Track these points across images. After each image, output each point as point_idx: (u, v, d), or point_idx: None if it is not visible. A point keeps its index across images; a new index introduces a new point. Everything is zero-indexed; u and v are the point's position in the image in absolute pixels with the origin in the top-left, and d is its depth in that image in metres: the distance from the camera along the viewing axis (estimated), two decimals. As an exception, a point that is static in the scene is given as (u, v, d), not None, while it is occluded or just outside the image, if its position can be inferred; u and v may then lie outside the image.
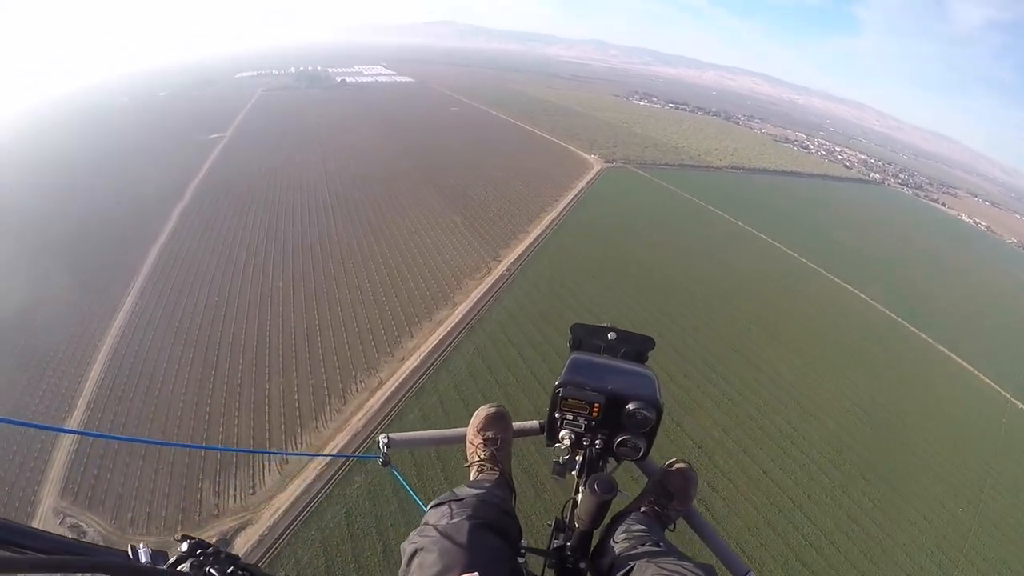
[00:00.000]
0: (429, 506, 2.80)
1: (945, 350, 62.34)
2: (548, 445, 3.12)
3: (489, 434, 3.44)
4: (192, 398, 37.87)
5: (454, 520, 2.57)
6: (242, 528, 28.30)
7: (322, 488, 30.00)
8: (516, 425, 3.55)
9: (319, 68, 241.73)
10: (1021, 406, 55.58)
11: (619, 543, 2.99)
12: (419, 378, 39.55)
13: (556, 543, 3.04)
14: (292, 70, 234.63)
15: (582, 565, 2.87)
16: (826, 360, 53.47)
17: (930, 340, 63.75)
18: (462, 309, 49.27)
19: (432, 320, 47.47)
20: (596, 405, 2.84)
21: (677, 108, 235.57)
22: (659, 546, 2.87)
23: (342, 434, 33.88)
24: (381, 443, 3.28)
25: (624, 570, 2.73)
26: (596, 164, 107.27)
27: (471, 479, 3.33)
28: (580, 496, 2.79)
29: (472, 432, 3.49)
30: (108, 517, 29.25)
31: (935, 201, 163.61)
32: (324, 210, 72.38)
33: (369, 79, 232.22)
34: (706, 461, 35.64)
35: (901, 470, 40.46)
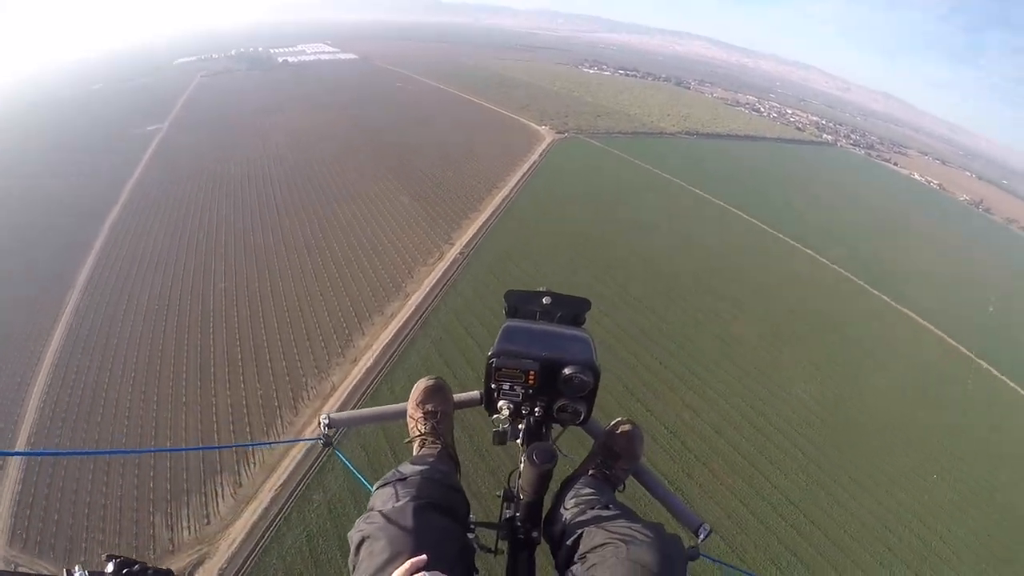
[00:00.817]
0: (375, 487, 2.74)
1: (909, 312, 62.67)
2: (490, 416, 3.07)
3: (429, 407, 3.38)
4: (136, 421, 35.29)
5: (399, 503, 2.50)
6: (200, 563, 26.24)
7: (279, 511, 28.08)
8: (456, 397, 3.47)
9: (260, 49, 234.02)
10: (985, 365, 56.13)
11: (568, 509, 2.93)
12: (373, 379, 37.63)
13: (507, 514, 2.93)
14: (232, 52, 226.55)
15: (535, 534, 2.82)
16: (792, 329, 53.42)
17: (893, 303, 64.04)
18: (415, 300, 47.12)
19: (384, 314, 45.25)
20: (531, 373, 2.79)
21: (627, 75, 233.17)
22: (608, 508, 2.82)
23: (295, 450, 31.76)
24: (322, 423, 3.25)
25: (574, 536, 2.69)
26: (548, 135, 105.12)
27: (414, 454, 3.26)
28: (522, 466, 2.73)
29: (412, 406, 3.42)
30: (60, 563, 26.69)
31: (887, 160, 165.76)
32: (267, 200, 68.78)
33: (311, 58, 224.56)
34: (679, 446, 34.61)
35: (872, 439, 40.23)
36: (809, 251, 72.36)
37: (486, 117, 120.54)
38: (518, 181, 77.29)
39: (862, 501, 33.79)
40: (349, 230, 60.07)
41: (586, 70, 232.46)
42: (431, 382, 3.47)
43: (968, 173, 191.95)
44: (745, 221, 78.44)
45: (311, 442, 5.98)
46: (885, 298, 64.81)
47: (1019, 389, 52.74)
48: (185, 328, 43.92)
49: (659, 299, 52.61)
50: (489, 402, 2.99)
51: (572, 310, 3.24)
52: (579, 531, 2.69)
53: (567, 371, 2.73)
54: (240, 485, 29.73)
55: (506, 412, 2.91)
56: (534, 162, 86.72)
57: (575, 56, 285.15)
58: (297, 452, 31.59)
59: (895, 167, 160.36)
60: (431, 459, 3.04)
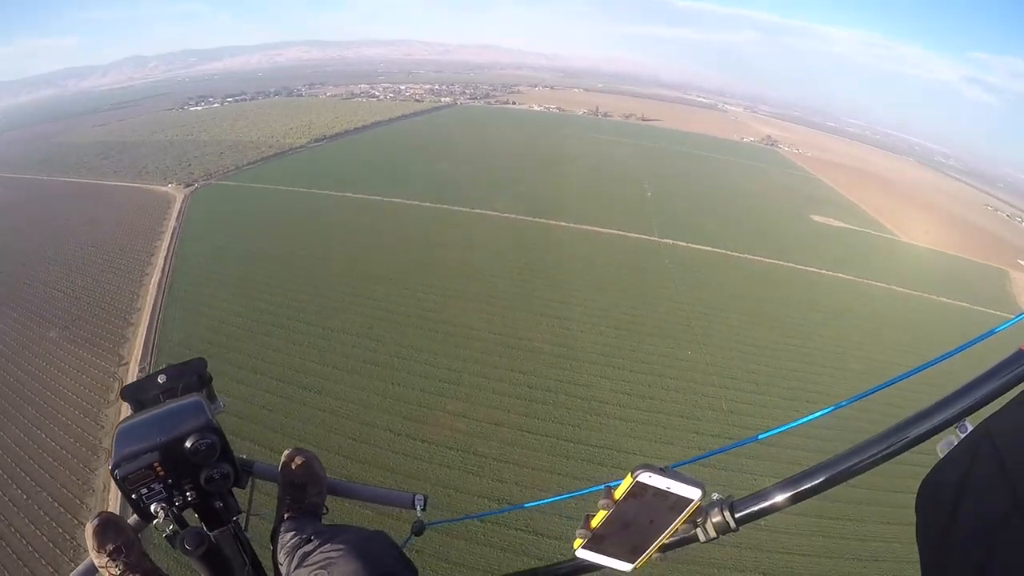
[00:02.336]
0: None
1: (592, 228, 71.91)
2: (151, 524, 2.85)
3: (110, 547, 2.90)
4: None
5: None
6: None
7: None
8: (130, 520, 3.04)
9: None
10: (673, 242, 67.82)
11: (282, 562, 2.96)
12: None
13: None
14: None
15: None
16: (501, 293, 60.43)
17: (572, 225, 73.08)
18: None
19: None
20: (156, 464, 2.59)
21: (237, 100, 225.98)
22: (311, 540, 2.84)
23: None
24: None
25: None
26: (177, 193, 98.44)
27: None
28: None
29: (95, 555, 2.94)
30: None
31: (506, 103, 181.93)
32: None
33: None
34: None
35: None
36: (477, 209, 78.95)
37: (103, 196, 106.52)
38: (165, 261, 71.54)
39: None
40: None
41: (193, 108, 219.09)
42: (96, 521, 3.02)
43: (576, 89, 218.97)
44: (408, 206, 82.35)
45: None
46: (565, 223, 74.03)
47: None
48: None
49: (358, 324, 55.81)
50: (142, 513, 2.78)
51: (191, 376, 3.06)
52: None
53: (189, 443, 2.62)
54: None
55: (162, 514, 2.71)
56: (174, 229, 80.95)
57: (177, 98, 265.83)
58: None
59: (514, 106, 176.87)
60: None
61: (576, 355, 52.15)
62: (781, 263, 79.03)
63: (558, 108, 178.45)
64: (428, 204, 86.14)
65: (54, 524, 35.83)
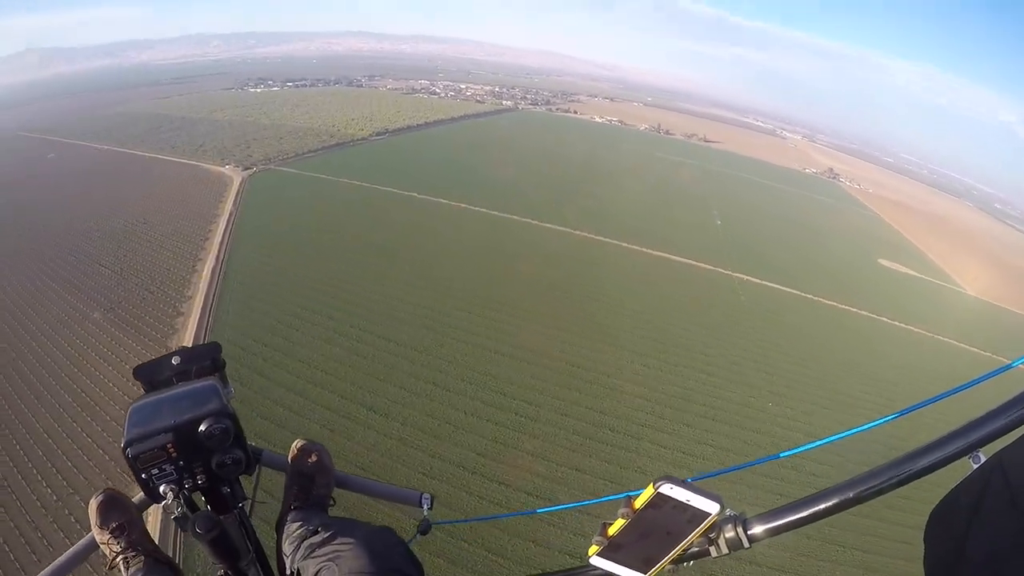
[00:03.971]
0: None
1: (665, 254, 67.05)
2: (159, 505, 2.73)
3: (113, 524, 2.97)
4: None
5: None
6: None
7: None
8: (135, 499, 3.10)
9: None
10: (746, 277, 62.48)
11: (288, 552, 2.92)
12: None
13: None
14: None
15: None
16: (551, 308, 54.66)
17: (644, 249, 68.13)
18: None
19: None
20: (169, 445, 2.52)
21: (297, 86, 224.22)
22: (319, 532, 2.81)
23: None
24: None
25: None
26: (235, 175, 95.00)
27: None
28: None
29: (96, 531, 3.00)
30: None
31: (567, 112, 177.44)
32: None
33: None
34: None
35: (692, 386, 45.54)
36: (536, 221, 74.55)
37: (160, 171, 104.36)
38: (220, 244, 67.71)
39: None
40: (29, 390, 45.71)
41: (253, 89, 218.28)
42: (101, 497, 3.01)
43: (635, 103, 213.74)
44: (473, 212, 78.21)
45: None
46: (637, 248, 69.12)
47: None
48: None
49: (409, 334, 51.43)
50: (151, 493, 2.61)
51: (205, 360, 2.92)
52: (297, 569, 2.69)
53: (203, 427, 2.50)
54: None
55: (171, 495, 2.54)
56: (230, 213, 77.10)
57: (238, 77, 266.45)
58: None
59: (576, 115, 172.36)
60: (140, 575, 2.85)
61: (656, 396, 47.68)
62: (853, 309, 74.13)
63: (619, 121, 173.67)
64: (495, 212, 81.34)
65: (84, 531, 31.23)
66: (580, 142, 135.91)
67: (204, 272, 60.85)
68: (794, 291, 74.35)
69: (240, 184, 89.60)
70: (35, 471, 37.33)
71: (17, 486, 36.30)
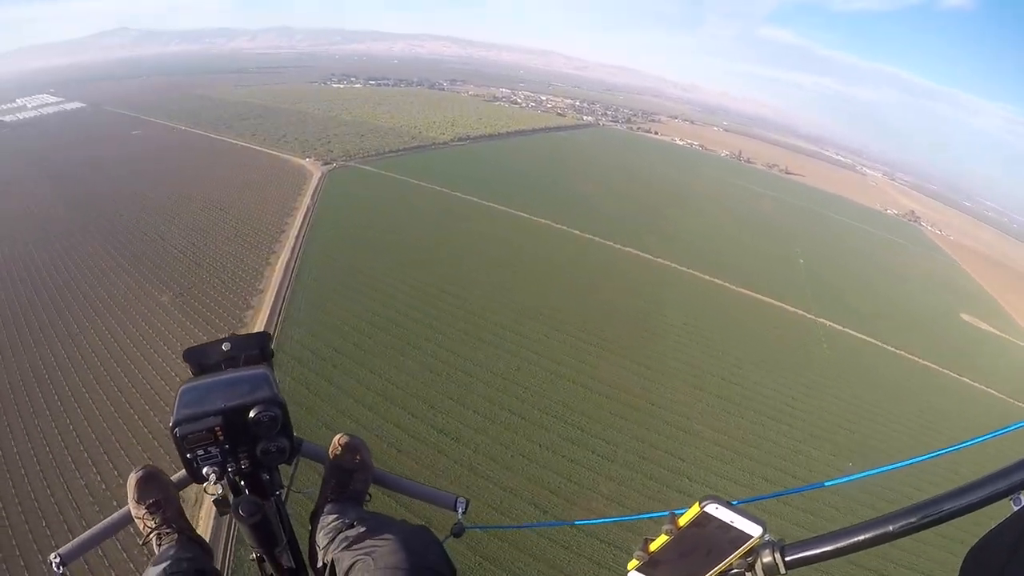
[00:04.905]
0: None
1: (747, 291, 62.61)
2: (201, 486, 2.73)
3: (150, 500, 3.03)
4: None
5: None
6: None
7: None
8: (174, 478, 3.15)
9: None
10: (829, 323, 57.49)
11: (321, 542, 2.92)
12: None
13: (271, 572, 2.96)
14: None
15: None
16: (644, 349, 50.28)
17: (728, 284, 63.76)
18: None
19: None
20: (217, 428, 2.52)
21: (379, 84, 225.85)
22: (354, 526, 2.83)
23: None
24: (54, 564, 2.84)
25: (329, 567, 2.75)
26: (314, 169, 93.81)
27: (155, 554, 2.97)
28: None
29: (133, 506, 3.05)
30: None
31: (647, 131, 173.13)
32: None
33: (34, 113, 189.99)
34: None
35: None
36: (614, 243, 70.92)
37: (240, 158, 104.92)
38: (297, 238, 65.76)
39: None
40: (93, 374, 43.73)
41: (336, 85, 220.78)
42: (141, 472, 3.06)
43: (716, 128, 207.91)
44: (553, 230, 74.78)
45: None
46: (719, 281, 65.00)
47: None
48: None
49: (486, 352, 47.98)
50: (193, 473, 2.61)
51: (255, 347, 2.92)
52: (331, 560, 2.71)
53: (252, 413, 2.50)
54: None
55: (212, 477, 2.54)
56: (308, 207, 75.33)
57: (321, 72, 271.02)
58: None
59: (656, 136, 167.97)
60: (172, 552, 2.83)
61: (735, 446, 43.77)
62: (935, 366, 67.75)
63: (700, 145, 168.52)
64: (575, 231, 77.53)
65: (131, 532, 28.78)
66: (661, 164, 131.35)
67: (277, 266, 58.91)
68: (876, 341, 68.71)
69: (319, 178, 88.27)
70: (87, 458, 35.59)
71: (65, 466, 34.91)
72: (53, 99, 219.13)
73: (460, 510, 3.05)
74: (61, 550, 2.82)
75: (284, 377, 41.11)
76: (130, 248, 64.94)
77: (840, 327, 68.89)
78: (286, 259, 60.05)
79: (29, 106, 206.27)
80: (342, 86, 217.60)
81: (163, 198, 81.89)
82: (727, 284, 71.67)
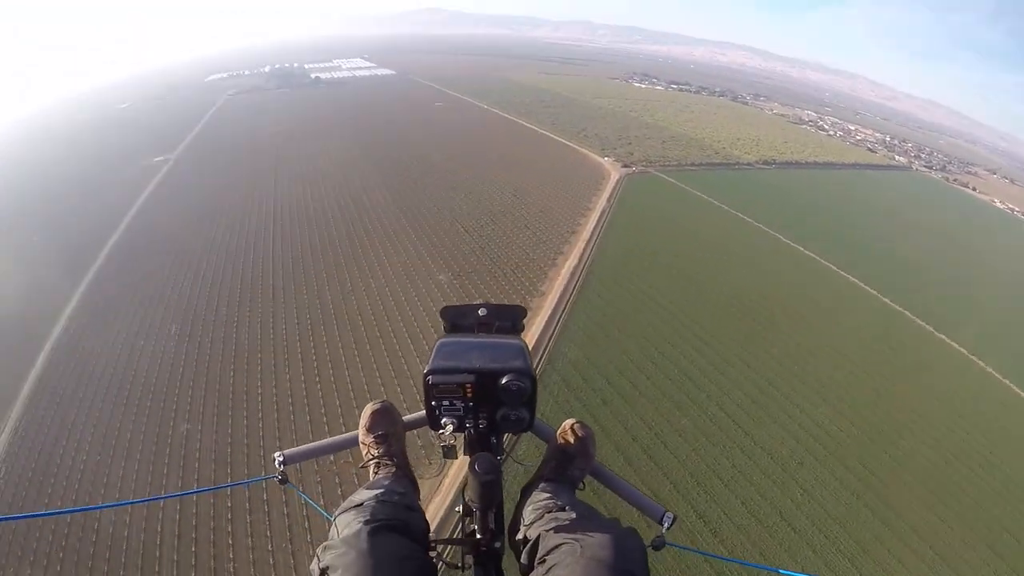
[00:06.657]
0: (333, 516, 2.80)
1: None
2: (435, 432, 2.95)
3: (379, 431, 3.30)
4: None
5: (355, 528, 2.53)
6: None
7: None
8: (406, 418, 3.41)
9: (294, 65, 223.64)
10: None
11: (527, 516, 2.96)
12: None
13: (472, 528, 2.92)
14: (266, 69, 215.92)
15: (497, 545, 2.84)
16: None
17: None
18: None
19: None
20: (468, 386, 2.72)
21: (680, 89, 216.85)
22: (565, 510, 2.84)
23: None
24: (277, 461, 3.13)
25: (533, 542, 2.74)
26: (613, 171, 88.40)
27: (370, 479, 3.21)
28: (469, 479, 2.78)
29: (363, 432, 3.34)
30: None
31: (965, 185, 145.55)
32: (261, 289, 51.57)
33: (347, 74, 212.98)
34: None
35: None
36: (973, 356, 55.20)
37: (538, 146, 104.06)
38: (589, 240, 60.79)
39: None
40: (357, 350, 42.52)
41: (637, 84, 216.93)
42: (378, 406, 3.37)
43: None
44: (871, 298, 61.87)
45: (266, 480, 4.34)
46: None
47: None
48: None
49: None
50: (433, 420, 2.84)
51: (509, 319, 3.17)
52: (537, 536, 2.72)
53: (504, 380, 2.64)
54: None
55: (450, 428, 2.78)
56: (603, 210, 70.10)
57: (621, 69, 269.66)
58: None
59: (974, 192, 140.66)
60: (386, 482, 3.01)
61: None
62: None
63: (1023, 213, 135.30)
64: (889, 301, 61.89)
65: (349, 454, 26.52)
66: (986, 233, 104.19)
67: (563, 269, 54.28)
68: None
69: (617, 181, 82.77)
70: (327, 424, 34.65)
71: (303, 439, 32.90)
72: (366, 64, 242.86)
73: (666, 525, 2.88)
74: (286, 451, 3.06)
75: (547, 398, 36.42)
76: (418, 218, 65.89)
77: None
78: (573, 264, 55.19)
79: (344, 67, 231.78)
80: (644, 86, 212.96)
81: (458, 171, 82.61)
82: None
